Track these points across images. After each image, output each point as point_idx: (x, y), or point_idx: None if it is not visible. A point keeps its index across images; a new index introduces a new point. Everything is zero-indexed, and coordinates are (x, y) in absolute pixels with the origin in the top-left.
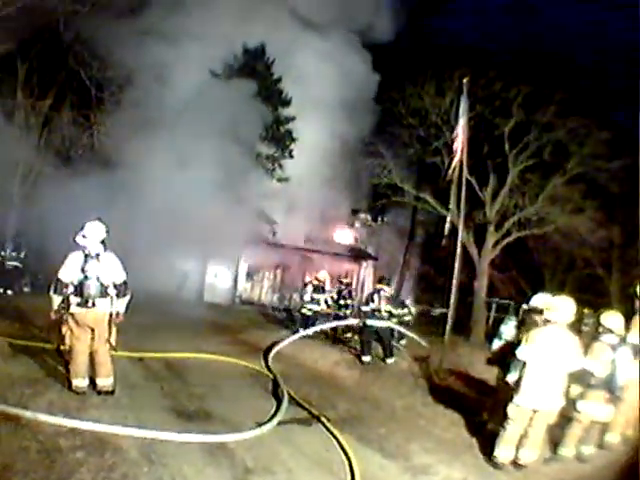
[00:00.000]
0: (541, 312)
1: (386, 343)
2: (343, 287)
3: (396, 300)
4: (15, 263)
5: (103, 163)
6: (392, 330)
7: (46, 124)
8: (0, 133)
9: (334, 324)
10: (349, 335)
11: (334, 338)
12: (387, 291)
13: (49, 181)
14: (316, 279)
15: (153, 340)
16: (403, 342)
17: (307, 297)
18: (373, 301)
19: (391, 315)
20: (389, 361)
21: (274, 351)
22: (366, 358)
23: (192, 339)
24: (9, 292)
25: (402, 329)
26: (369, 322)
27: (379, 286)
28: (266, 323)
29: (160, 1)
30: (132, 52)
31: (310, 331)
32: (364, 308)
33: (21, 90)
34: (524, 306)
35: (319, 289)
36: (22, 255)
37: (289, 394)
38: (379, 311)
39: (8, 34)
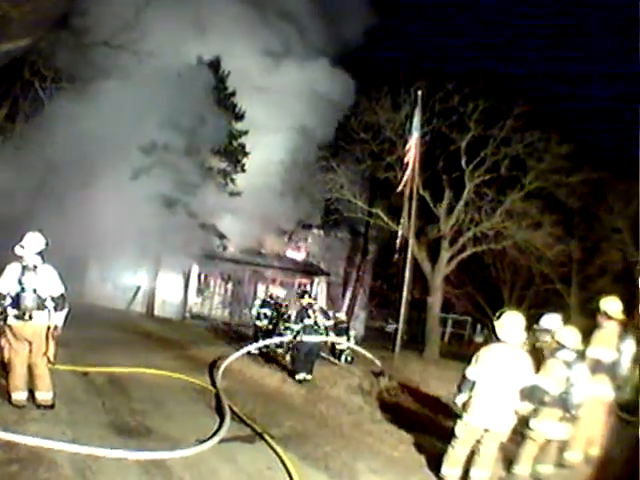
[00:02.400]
0: (551, 334)
1: (313, 358)
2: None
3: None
4: None
5: (55, 176)
6: (333, 347)
7: None
8: None
9: (273, 340)
10: (280, 351)
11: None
12: (317, 304)
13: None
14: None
15: (100, 354)
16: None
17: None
18: (309, 317)
19: (326, 329)
20: (308, 377)
21: (222, 367)
22: (301, 375)
23: (140, 354)
24: None
25: (352, 345)
26: (306, 338)
27: (307, 301)
28: (216, 339)
29: (117, 14)
30: (84, 63)
31: (253, 347)
32: (295, 327)
33: None
34: (535, 326)
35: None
36: None
37: (232, 410)
38: (317, 325)
39: None
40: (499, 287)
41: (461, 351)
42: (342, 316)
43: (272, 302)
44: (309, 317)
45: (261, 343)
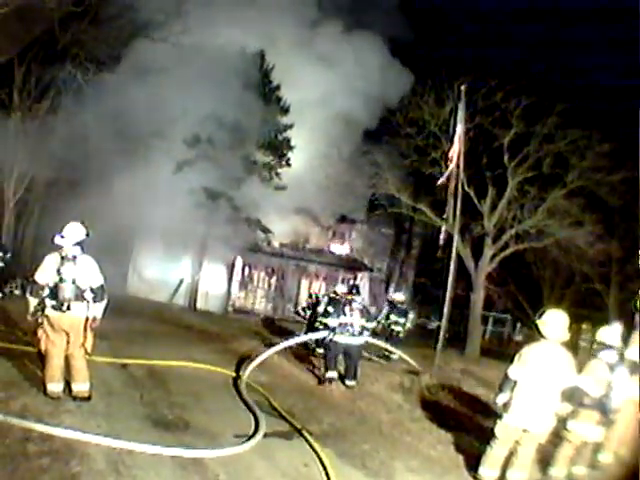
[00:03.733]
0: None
1: (353, 362)
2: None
3: (399, 309)
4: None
5: (99, 168)
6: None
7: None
8: None
9: (306, 337)
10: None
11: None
12: (359, 302)
13: (44, 186)
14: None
15: (140, 347)
16: (395, 356)
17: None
18: (344, 314)
19: (363, 330)
20: (350, 383)
21: (253, 364)
22: (331, 374)
23: (182, 347)
24: None
25: (389, 347)
26: (337, 338)
27: (349, 297)
28: (258, 333)
29: (159, 5)
30: (128, 55)
31: (288, 343)
32: (331, 322)
33: (18, 93)
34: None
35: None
36: (7, 257)
37: (271, 405)
38: (351, 326)
39: (5, 39)
40: (539, 285)
41: (501, 349)
42: (400, 296)
43: (313, 298)
44: (344, 314)
45: (295, 340)
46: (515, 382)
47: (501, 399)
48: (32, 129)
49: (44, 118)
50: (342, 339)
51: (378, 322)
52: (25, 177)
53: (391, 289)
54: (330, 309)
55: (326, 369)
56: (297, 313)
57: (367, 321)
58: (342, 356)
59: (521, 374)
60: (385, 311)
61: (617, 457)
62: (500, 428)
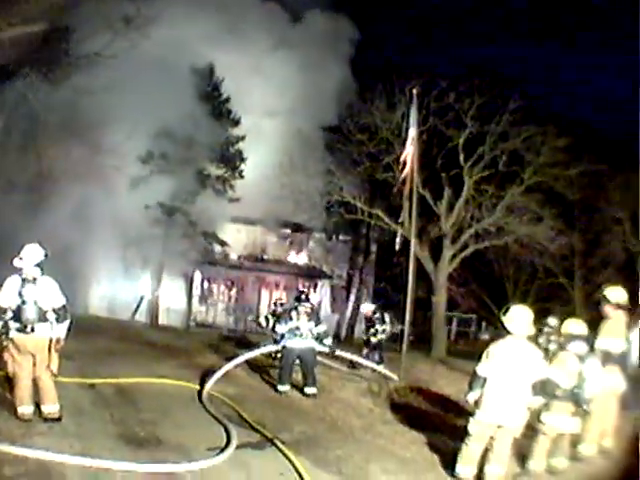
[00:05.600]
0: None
1: (308, 369)
2: (279, 308)
3: (376, 315)
4: None
5: (52, 188)
6: (333, 353)
7: None
8: None
9: (255, 353)
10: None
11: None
12: (307, 306)
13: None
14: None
15: (106, 365)
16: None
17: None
18: (291, 319)
19: (315, 336)
20: (309, 391)
21: (215, 376)
22: (283, 387)
23: (146, 364)
24: None
25: (356, 358)
26: (288, 344)
27: (296, 303)
28: (221, 346)
29: (109, 23)
30: (79, 75)
31: (249, 355)
32: (280, 329)
33: None
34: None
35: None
36: None
37: (240, 416)
38: (297, 329)
39: None
40: (503, 283)
41: (467, 349)
42: (369, 307)
43: (277, 306)
44: (291, 319)
45: (255, 352)
46: (484, 379)
47: (472, 397)
48: None
49: None
50: (293, 344)
51: (365, 340)
52: None
53: (362, 305)
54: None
55: (279, 381)
56: (258, 324)
57: (316, 325)
58: (298, 364)
59: (490, 371)
60: (364, 327)
61: (602, 450)
62: (473, 425)
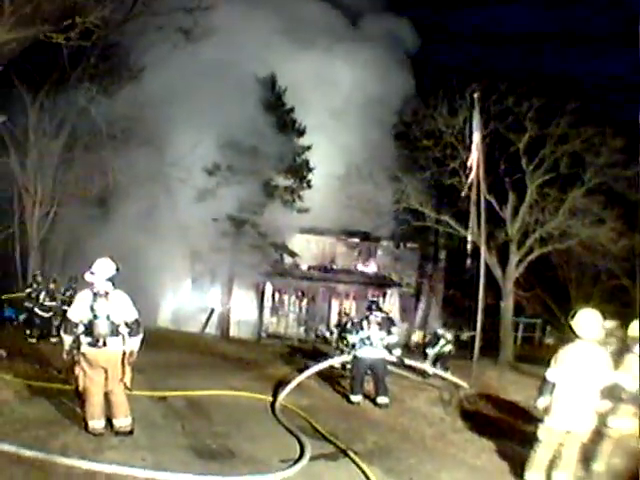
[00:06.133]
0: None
1: (379, 378)
2: (345, 319)
3: (427, 331)
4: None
5: (118, 202)
6: (402, 363)
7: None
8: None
9: (326, 364)
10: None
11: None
12: (378, 316)
13: (67, 223)
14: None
15: (177, 378)
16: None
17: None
18: (362, 329)
19: (385, 343)
20: (381, 401)
21: (288, 388)
22: (355, 398)
23: (218, 376)
24: (52, 339)
25: (427, 367)
26: (359, 354)
27: (367, 313)
28: (293, 357)
29: (167, 35)
30: (141, 88)
31: (320, 366)
32: (352, 339)
33: (33, 131)
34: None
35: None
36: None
37: (313, 427)
38: (368, 339)
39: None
40: (566, 287)
41: (533, 354)
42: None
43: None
44: (362, 329)
45: (326, 363)
46: (554, 385)
47: (541, 403)
48: (50, 167)
49: (61, 155)
50: (364, 354)
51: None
52: (47, 216)
53: (436, 325)
54: (349, 327)
55: (351, 391)
56: (323, 337)
57: (388, 334)
58: (369, 374)
59: (559, 376)
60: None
61: None
62: (543, 432)
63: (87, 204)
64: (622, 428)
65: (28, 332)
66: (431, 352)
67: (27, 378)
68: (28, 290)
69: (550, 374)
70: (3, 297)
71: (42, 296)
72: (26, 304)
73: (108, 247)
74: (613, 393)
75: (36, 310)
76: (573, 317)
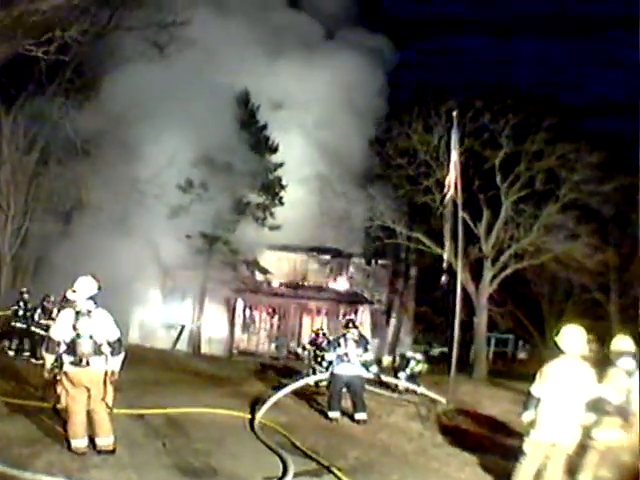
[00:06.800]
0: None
1: (357, 395)
2: (319, 337)
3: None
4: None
5: (90, 217)
6: (379, 379)
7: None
8: None
9: (303, 382)
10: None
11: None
12: (355, 334)
13: (39, 238)
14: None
15: (153, 395)
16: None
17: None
18: (339, 345)
19: (361, 360)
20: (359, 417)
21: (267, 405)
22: (333, 414)
23: (193, 393)
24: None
25: (404, 383)
26: (336, 371)
27: (344, 330)
28: (266, 374)
29: (139, 51)
30: (116, 102)
31: (299, 384)
32: (329, 356)
33: (6, 145)
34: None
35: None
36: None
37: (293, 444)
38: (346, 355)
39: None
40: (538, 302)
41: (506, 369)
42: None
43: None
44: (339, 346)
45: (302, 381)
46: (539, 399)
47: (526, 417)
48: (23, 181)
49: (35, 169)
50: (341, 370)
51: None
52: (19, 230)
53: (406, 350)
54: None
55: (329, 408)
56: (295, 354)
57: (364, 351)
58: (346, 391)
59: (544, 391)
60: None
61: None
62: (529, 445)
63: (59, 219)
64: (607, 440)
65: (7, 344)
66: (403, 375)
67: (4, 395)
68: (14, 308)
69: (535, 389)
70: None
71: (37, 315)
72: (14, 323)
73: (77, 262)
74: (598, 406)
75: (33, 329)
76: (558, 333)
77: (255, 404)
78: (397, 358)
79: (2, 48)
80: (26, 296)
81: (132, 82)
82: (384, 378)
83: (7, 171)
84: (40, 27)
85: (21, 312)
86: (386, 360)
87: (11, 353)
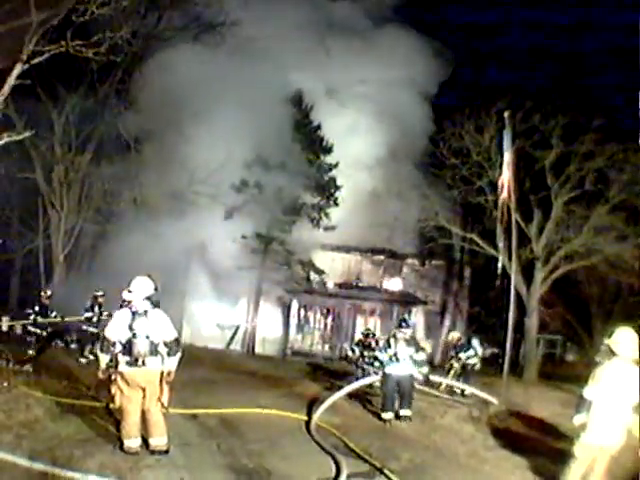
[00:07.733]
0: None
1: (406, 393)
2: (368, 338)
3: (461, 345)
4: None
5: (145, 218)
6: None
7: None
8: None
9: (357, 384)
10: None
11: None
12: (406, 333)
13: (91, 238)
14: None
15: (207, 395)
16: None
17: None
18: (390, 346)
19: (412, 360)
20: (403, 413)
21: (323, 407)
22: (387, 415)
23: (247, 393)
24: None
25: (455, 383)
26: (388, 370)
27: (396, 330)
28: (319, 375)
29: (194, 50)
30: (168, 103)
31: (354, 386)
32: (380, 356)
33: (59, 145)
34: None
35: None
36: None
37: (347, 446)
38: (395, 355)
39: None
40: (587, 303)
41: (555, 371)
42: (456, 334)
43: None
44: (390, 347)
45: (358, 383)
46: (591, 402)
47: (578, 420)
48: (76, 181)
49: (87, 169)
50: (392, 370)
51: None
52: (72, 230)
53: (450, 332)
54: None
55: (382, 409)
56: (345, 357)
57: (416, 351)
58: (397, 389)
59: (597, 394)
60: (452, 354)
61: None
62: (580, 448)
63: (114, 220)
64: None
65: (80, 351)
66: (463, 355)
67: (56, 395)
68: (88, 314)
69: (587, 392)
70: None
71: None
72: (86, 327)
73: (131, 262)
74: None
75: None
76: (611, 336)
77: (311, 405)
78: (462, 338)
79: (51, 48)
80: (101, 300)
81: (185, 81)
82: (436, 379)
83: (60, 171)
84: (90, 28)
85: (95, 319)
86: (451, 336)
87: (83, 360)
